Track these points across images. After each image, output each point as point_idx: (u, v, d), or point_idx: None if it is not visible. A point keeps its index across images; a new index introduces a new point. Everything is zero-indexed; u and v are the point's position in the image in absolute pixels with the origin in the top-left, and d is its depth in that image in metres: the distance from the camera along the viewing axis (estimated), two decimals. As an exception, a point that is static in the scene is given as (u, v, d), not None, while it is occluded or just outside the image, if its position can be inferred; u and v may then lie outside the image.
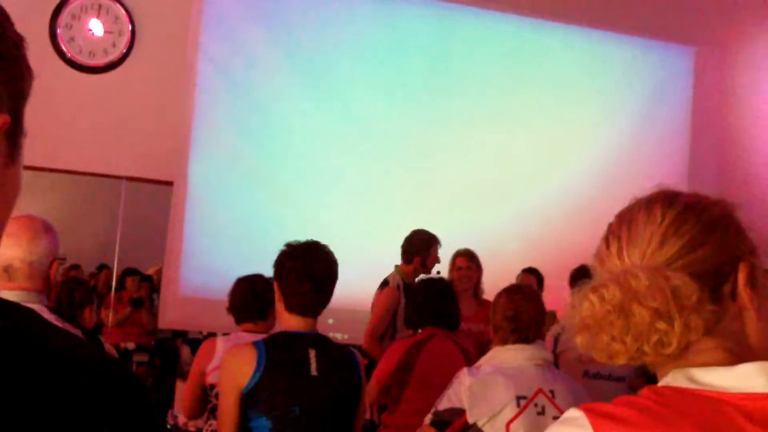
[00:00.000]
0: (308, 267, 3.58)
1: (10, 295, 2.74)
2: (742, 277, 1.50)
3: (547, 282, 7.95)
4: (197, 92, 7.80)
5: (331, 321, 7.54)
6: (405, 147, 8.52)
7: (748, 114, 9.94)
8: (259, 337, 3.81)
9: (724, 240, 1.54)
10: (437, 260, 6.99)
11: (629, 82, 9.42)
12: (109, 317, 8.52)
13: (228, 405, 3.47)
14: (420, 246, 6.95)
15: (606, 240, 1.62)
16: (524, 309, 4.11)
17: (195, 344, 7.95)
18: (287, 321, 3.65)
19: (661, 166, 9.47)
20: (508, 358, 4.04)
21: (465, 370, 4.03)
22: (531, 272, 7.75)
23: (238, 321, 4.95)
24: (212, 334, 6.62)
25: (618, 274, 1.50)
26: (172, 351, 8.70)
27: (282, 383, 3.48)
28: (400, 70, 8.55)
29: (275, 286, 3.70)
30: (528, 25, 9.04)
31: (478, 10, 8.84)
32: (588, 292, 1.51)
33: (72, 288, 5.06)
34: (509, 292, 4.23)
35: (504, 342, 4.11)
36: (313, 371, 3.53)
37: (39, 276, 3.10)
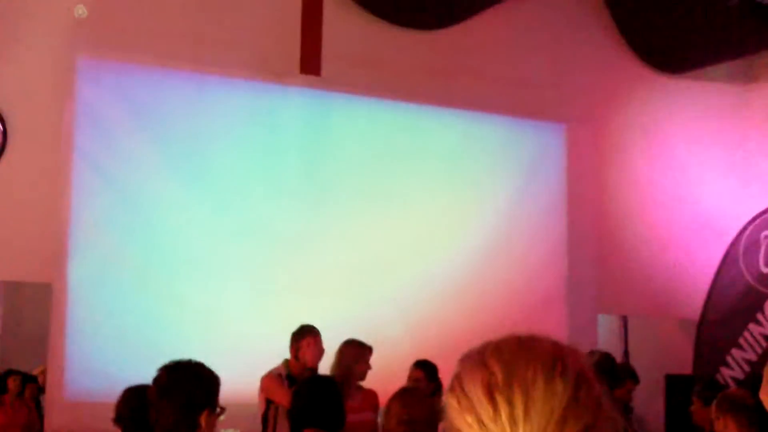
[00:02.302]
0: (169, 385, 3.52)
1: None
2: None
3: (429, 357, 7.92)
4: (73, 192, 7.67)
5: (221, 418, 7.37)
6: (286, 235, 8.51)
7: (623, 186, 10.23)
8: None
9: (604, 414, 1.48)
10: (311, 353, 6.92)
11: (504, 161, 9.59)
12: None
13: None
14: (293, 339, 6.96)
15: (491, 398, 1.45)
16: (418, 413, 4.09)
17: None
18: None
19: (541, 241, 9.64)
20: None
21: None
22: (420, 367, 7.68)
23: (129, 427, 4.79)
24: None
25: None
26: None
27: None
28: (277, 158, 8.58)
29: None
30: (401, 109, 9.15)
31: (354, 96, 8.92)
32: None
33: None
34: (402, 396, 4.21)
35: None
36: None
37: None
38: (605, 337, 10.31)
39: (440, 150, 9.28)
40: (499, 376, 1.45)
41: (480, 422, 1.43)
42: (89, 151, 7.79)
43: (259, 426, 6.89)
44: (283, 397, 6.53)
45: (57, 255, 7.57)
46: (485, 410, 1.43)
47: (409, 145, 9.13)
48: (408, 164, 9.09)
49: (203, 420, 3.65)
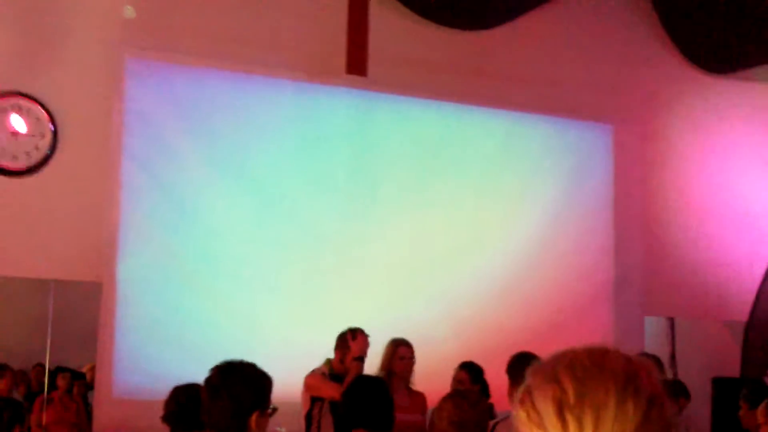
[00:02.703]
0: (218, 385, 3.54)
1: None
2: None
3: (476, 359, 7.91)
4: (122, 192, 7.74)
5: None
6: (332, 236, 8.53)
7: (669, 187, 10.16)
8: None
9: None
10: (358, 345, 6.94)
11: (551, 162, 9.55)
12: (43, 419, 8.36)
13: None
14: (339, 340, 7.01)
15: (561, 416, 1.44)
16: (469, 416, 4.10)
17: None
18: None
19: (587, 242, 9.60)
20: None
21: None
22: (465, 368, 7.67)
23: (180, 424, 4.82)
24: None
25: None
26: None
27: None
28: (323, 158, 8.59)
29: None
30: (447, 109, 9.15)
31: (400, 97, 8.92)
32: None
33: (1, 407, 4.90)
34: (455, 398, 4.23)
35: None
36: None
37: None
38: (652, 339, 10.24)
39: (486, 150, 9.26)
40: (571, 394, 1.43)
41: None
42: (138, 152, 7.85)
43: (301, 426, 6.92)
44: (331, 390, 6.57)
45: (107, 254, 7.64)
46: (555, 427, 1.43)
47: (454, 146, 9.13)
48: (454, 165, 9.08)
49: (253, 422, 3.66)
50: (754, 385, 8.48)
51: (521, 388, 1.51)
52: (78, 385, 8.76)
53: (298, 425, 6.94)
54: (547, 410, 1.43)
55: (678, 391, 8.49)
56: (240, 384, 3.65)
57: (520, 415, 1.47)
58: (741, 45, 10.19)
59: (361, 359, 6.86)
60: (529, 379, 1.50)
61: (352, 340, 6.95)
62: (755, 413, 6.84)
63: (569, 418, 1.41)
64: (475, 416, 4.16)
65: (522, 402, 1.48)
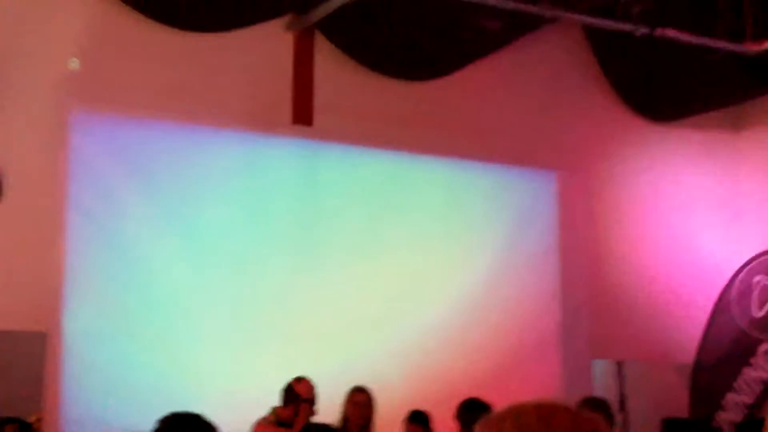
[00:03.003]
0: None
1: None
2: None
3: (428, 405, 7.97)
4: (67, 242, 7.76)
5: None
6: (278, 286, 8.57)
7: (614, 232, 10.31)
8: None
9: None
10: (305, 394, 6.97)
11: (496, 209, 9.66)
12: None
13: None
14: (285, 394, 7.05)
15: None
16: None
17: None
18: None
19: (534, 287, 9.69)
20: None
21: None
22: (414, 421, 7.72)
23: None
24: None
25: None
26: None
27: None
28: (269, 209, 8.65)
29: None
30: (393, 158, 9.26)
31: (343, 145, 9.02)
32: None
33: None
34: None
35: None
36: None
37: None
38: (601, 382, 10.31)
39: (432, 199, 9.36)
40: None
41: None
42: (83, 202, 7.87)
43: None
44: None
45: (52, 304, 7.64)
46: None
47: (400, 195, 9.21)
48: (400, 213, 9.15)
49: None
50: (702, 428, 8.60)
51: None
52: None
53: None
54: None
55: None
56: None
57: None
58: (683, 93, 10.40)
59: (310, 401, 6.90)
60: (478, 430, 1.52)
61: (297, 384, 6.99)
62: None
63: None
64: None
65: None
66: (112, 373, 7.76)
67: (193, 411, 3.89)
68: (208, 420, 3.75)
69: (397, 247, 9.10)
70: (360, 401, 7.43)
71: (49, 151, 7.82)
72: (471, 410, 6.23)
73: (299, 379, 7.05)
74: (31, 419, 8.54)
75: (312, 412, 6.92)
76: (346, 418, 7.40)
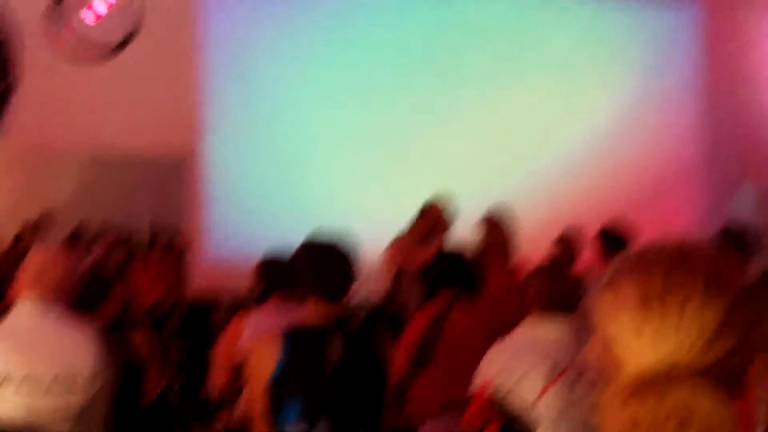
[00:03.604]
0: (324, 257, 3.57)
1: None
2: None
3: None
4: (207, 70, 7.90)
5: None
6: (417, 110, 8.64)
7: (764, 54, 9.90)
8: (287, 315, 3.83)
9: (762, 334, 1.44)
10: (440, 227, 6.97)
11: (634, 44, 9.51)
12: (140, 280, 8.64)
13: (256, 393, 3.53)
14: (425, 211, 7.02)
15: (645, 307, 1.43)
16: (560, 283, 4.10)
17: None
18: (309, 310, 3.65)
19: (677, 118, 9.57)
20: (540, 331, 4.03)
21: (491, 351, 4.02)
22: (560, 243, 7.70)
23: (266, 296, 4.93)
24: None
25: (674, 381, 1.39)
26: (206, 311, 8.77)
27: (304, 371, 3.51)
28: (400, 38, 8.65)
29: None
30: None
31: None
32: (630, 400, 1.39)
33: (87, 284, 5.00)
34: (545, 265, 4.24)
35: (539, 314, 4.10)
36: (335, 361, 3.55)
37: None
38: (749, 206, 10.13)
39: (569, 37, 9.25)
40: (657, 286, 1.43)
41: (629, 328, 1.42)
42: (219, 34, 7.97)
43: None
44: (417, 256, 6.63)
45: (192, 131, 7.88)
46: (637, 317, 1.42)
47: (537, 33, 9.13)
48: (537, 51, 9.09)
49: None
50: None
51: (607, 274, 1.49)
52: (177, 246, 9.04)
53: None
54: (632, 299, 1.43)
55: None
56: (341, 255, 3.69)
57: (604, 299, 1.47)
58: None
59: (445, 224, 6.90)
60: (617, 264, 1.49)
61: (432, 205, 6.96)
62: None
63: (654, 307, 1.42)
64: (564, 284, 4.17)
65: (608, 287, 1.47)
66: (253, 191, 7.96)
67: (333, 236, 3.89)
68: (347, 246, 3.74)
69: (536, 81, 9.02)
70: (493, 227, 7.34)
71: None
72: (610, 237, 6.16)
73: (435, 200, 7.01)
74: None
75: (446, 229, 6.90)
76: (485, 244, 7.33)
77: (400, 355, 4.94)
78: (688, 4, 9.64)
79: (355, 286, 3.74)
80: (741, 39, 9.80)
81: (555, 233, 7.71)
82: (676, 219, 9.27)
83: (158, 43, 7.83)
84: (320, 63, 8.28)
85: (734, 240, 5.90)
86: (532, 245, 7.53)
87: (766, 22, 9.92)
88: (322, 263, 3.60)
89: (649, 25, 9.52)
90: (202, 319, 8.39)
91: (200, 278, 7.86)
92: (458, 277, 5.05)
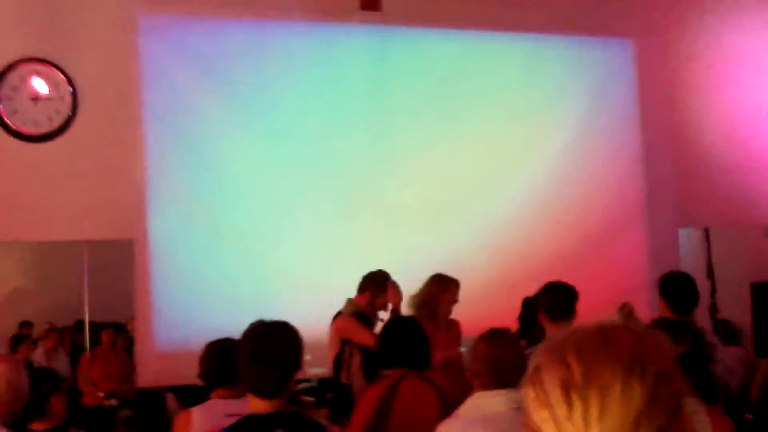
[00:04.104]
0: (265, 350, 3.56)
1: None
2: None
3: (513, 285, 7.95)
4: (146, 147, 7.84)
5: (308, 357, 7.54)
6: (357, 175, 8.58)
7: (696, 95, 10.03)
8: (234, 403, 3.81)
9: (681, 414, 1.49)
10: (395, 295, 6.96)
11: (573, 82, 9.46)
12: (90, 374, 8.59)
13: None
14: (370, 284, 7.02)
15: (567, 397, 1.47)
16: (505, 355, 4.10)
17: (179, 390, 7.98)
18: (253, 402, 3.63)
19: (616, 160, 9.54)
20: (487, 405, 4.03)
21: (439, 427, 4.02)
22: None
23: (211, 387, 4.90)
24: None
25: None
26: (157, 401, 8.69)
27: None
28: (342, 98, 8.61)
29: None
30: (465, 38, 9.09)
31: (413, 29, 8.89)
32: None
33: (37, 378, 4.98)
34: (488, 337, 4.24)
35: (484, 388, 4.10)
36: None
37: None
38: (687, 249, 10.24)
39: (507, 76, 9.19)
40: (577, 375, 1.45)
41: (555, 419, 1.45)
42: (158, 106, 7.93)
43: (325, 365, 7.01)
44: (365, 336, 6.62)
45: (137, 211, 7.78)
46: (561, 408, 1.45)
47: (475, 74, 9.06)
48: (476, 93, 9.02)
49: (293, 382, 3.71)
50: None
51: (531, 366, 1.54)
52: (121, 339, 8.98)
53: (322, 363, 7.07)
54: (554, 390, 1.46)
55: (727, 336, 8.61)
56: (284, 349, 3.67)
57: (529, 394, 1.50)
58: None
59: (397, 311, 6.90)
60: (539, 357, 1.53)
61: (392, 288, 6.97)
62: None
63: (575, 399, 1.43)
64: (510, 355, 4.17)
65: (531, 381, 1.51)
66: (200, 274, 7.92)
67: (280, 318, 3.89)
68: (293, 327, 3.74)
69: (475, 126, 9.00)
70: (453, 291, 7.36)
71: (120, 59, 7.85)
72: (555, 294, 6.15)
73: (393, 284, 7.01)
74: (125, 323, 8.79)
75: (393, 299, 6.91)
76: (433, 304, 7.34)
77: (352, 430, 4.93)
78: (624, 35, 9.73)
79: (300, 368, 3.73)
80: (674, 72, 9.91)
81: (503, 288, 7.71)
82: (620, 262, 9.32)
83: (99, 124, 7.80)
84: (264, 135, 8.27)
85: (673, 290, 5.93)
86: (479, 302, 7.57)
87: (698, 54, 10.07)
88: (263, 357, 3.58)
89: (589, 60, 9.57)
90: (153, 410, 8.34)
91: (150, 366, 7.79)
92: (405, 350, 5.05)
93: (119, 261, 8.16)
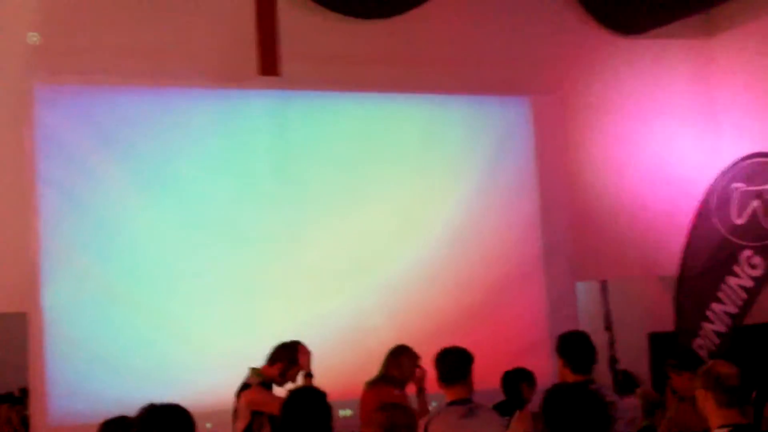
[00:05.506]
0: None
1: None
2: None
3: (415, 344, 8.02)
4: (40, 218, 7.79)
5: (209, 425, 7.55)
6: (260, 240, 8.62)
7: (591, 152, 10.29)
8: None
9: None
10: (306, 359, 7.01)
11: (473, 140, 9.64)
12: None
13: None
14: (282, 353, 7.04)
15: None
16: (401, 422, 4.24)
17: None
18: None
19: (514, 215, 9.71)
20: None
21: None
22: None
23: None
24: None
25: None
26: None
27: None
28: (244, 163, 8.67)
29: None
30: (365, 100, 9.24)
31: (313, 92, 8.98)
32: None
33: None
34: (385, 407, 4.39)
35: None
36: None
37: None
38: (585, 302, 10.44)
39: (407, 136, 9.34)
40: None
41: None
42: (53, 176, 7.89)
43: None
44: (278, 407, 6.63)
45: (29, 283, 7.70)
46: None
47: (375, 136, 9.20)
48: (376, 155, 9.16)
49: None
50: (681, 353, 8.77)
51: None
52: (16, 411, 8.87)
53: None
54: None
55: (626, 386, 8.77)
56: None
57: None
58: (652, 3, 10.27)
59: (311, 375, 6.94)
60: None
61: (302, 353, 7.01)
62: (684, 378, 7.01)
63: None
64: (404, 420, 4.29)
65: None
66: (98, 345, 7.87)
67: (171, 402, 3.92)
68: (186, 411, 3.79)
69: (376, 188, 9.13)
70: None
71: (15, 127, 7.81)
72: (450, 359, 6.25)
73: (303, 349, 7.06)
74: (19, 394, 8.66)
75: (310, 383, 6.92)
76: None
77: None
78: (522, 93, 9.94)
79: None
80: (569, 130, 10.13)
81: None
82: (520, 317, 9.46)
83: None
84: (164, 202, 8.31)
85: (572, 351, 6.05)
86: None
87: (593, 111, 10.31)
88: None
89: (487, 118, 9.77)
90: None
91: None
92: (307, 422, 5.08)
93: (12, 335, 8.09)
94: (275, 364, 7.02)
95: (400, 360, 7.28)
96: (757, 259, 9.70)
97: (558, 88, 10.06)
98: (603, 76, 10.45)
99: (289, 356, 7.04)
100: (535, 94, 9.99)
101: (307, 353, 7.01)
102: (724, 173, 10.29)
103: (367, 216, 9.03)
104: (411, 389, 7.31)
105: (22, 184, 7.75)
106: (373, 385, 7.20)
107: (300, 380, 6.93)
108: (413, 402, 7.10)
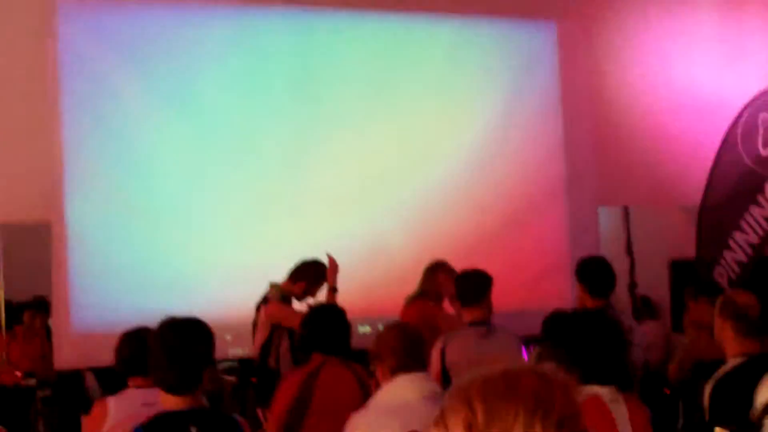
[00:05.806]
0: (176, 348, 3.61)
1: None
2: None
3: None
4: (64, 131, 7.81)
5: (228, 337, 7.62)
6: (282, 159, 8.62)
7: (617, 79, 10.15)
8: (150, 393, 3.88)
9: None
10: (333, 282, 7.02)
11: (497, 64, 9.53)
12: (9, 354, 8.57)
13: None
14: (304, 270, 7.05)
15: None
16: (410, 339, 4.25)
17: (98, 371, 7.98)
18: (164, 399, 3.69)
19: (537, 139, 9.65)
20: (394, 395, 4.12)
21: (353, 416, 4.11)
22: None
23: (127, 376, 4.92)
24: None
25: None
26: (76, 381, 8.69)
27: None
28: (264, 81, 8.64)
29: None
30: (387, 19, 9.16)
31: (336, 11, 8.91)
32: None
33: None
34: (392, 326, 4.40)
35: (391, 372, 4.21)
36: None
37: None
38: (607, 227, 10.41)
39: (430, 58, 9.25)
40: (480, 417, 1.48)
41: None
42: (75, 90, 7.92)
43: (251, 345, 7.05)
44: (298, 320, 6.67)
45: (54, 194, 7.78)
46: None
47: (397, 56, 9.12)
48: (398, 75, 9.08)
49: (206, 378, 3.77)
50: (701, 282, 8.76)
51: (439, 409, 1.57)
52: (39, 319, 8.97)
53: (241, 344, 7.12)
54: None
55: (646, 312, 8.74)
56: (195, 344, 3.72)
57: None
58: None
59: (335, 290, 6.97)
60: (445, 399, 1.55)
61: (332, 269, 7.01)
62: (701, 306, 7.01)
63: None
64: (416, 339, 4.32)
65: (436, 423, 1.53)
66: (119, 257, 7.94)
67: (199, 300, 3.93)
68: (205, 324, 3.81)
69: (399, 108, 9.06)
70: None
71: (39, 39, 7.78)
72: (470, 282, 6.26)
73: (322, 263, 7.07)
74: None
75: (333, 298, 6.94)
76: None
77: (271, 423, 5.00)
78: (547, 18, 9.81)
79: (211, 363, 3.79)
80: (594, 55, 10.00)
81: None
82: (541, 241, 9.44)
83: (15, 108, 7.78)
84: (184, 119, 8.29)
85: (591, 276, 6.06)
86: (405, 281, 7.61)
87: (619, 37, 10.17)
88: (173, 355, 3.64)
89: (511, 42, 9.66)
90: (72, 390, 8.34)
91: (67, 348, 7.78)
92: (327, 337, 5.13)
93: (36, 244, 8.15)
94: (297, 282, 7.05)
95: (436, 275, 7.26)
96: (781, 190, 9.63)
97: (583, 13, 9.93)
98: (629, 1, 10.28)
99: (314, 275, 7.07)
100: (561, 18, 9.87)
101: (335, 268, 7.02)
102: (751, 103, 10.15)
103: (389, 137, 8.98)
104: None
105: (46, 96, 7.76)
106: (413, 301, 7.20)
107: (323, 295, 6.96)
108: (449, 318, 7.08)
